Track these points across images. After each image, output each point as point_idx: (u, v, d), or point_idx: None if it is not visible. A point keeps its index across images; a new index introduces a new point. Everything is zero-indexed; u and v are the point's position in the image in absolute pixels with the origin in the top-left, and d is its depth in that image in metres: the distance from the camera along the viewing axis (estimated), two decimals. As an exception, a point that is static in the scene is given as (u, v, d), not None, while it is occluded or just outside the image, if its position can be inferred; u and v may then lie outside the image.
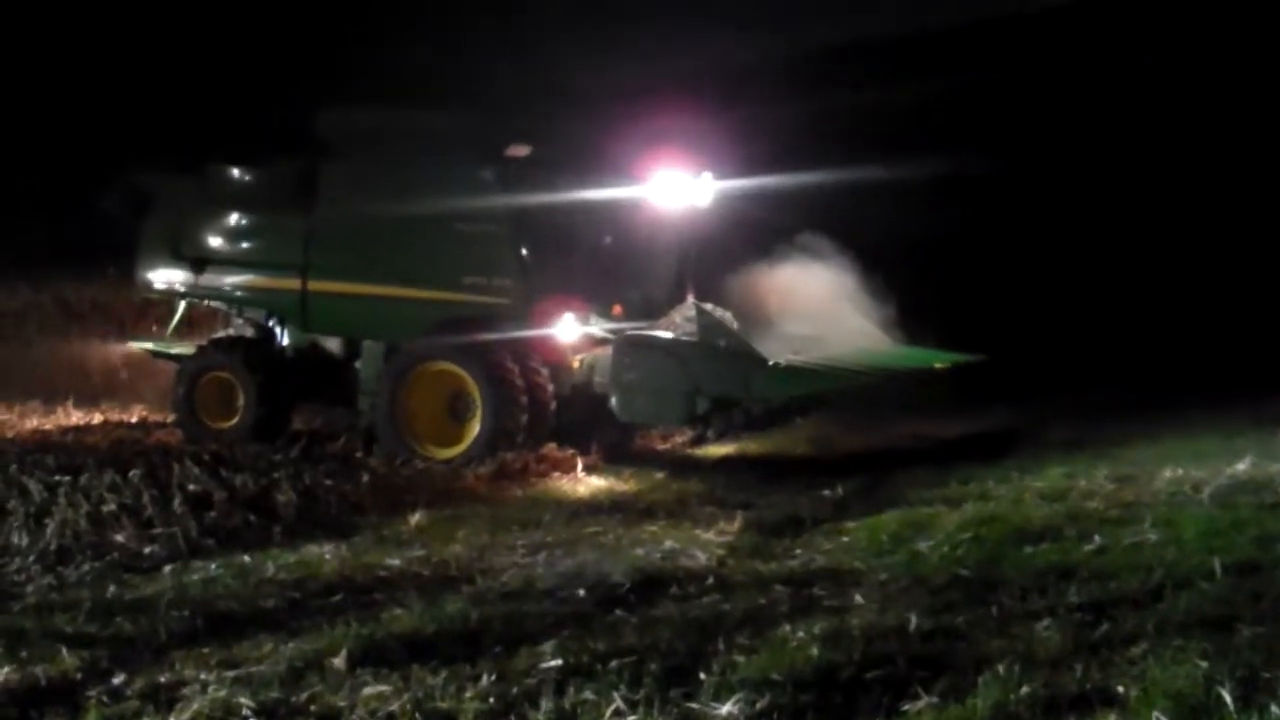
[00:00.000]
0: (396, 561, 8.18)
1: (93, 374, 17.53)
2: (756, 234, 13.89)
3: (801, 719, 5.01)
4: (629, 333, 12.37)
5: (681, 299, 13.35)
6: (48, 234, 20.57)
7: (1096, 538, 7.95)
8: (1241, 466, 9.97)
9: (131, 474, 10.42)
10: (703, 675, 5.58)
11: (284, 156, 13.92)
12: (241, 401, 13.56)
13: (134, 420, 15.58)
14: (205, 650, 6.28)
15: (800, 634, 6.15)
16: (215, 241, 14.15)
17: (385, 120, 13.43)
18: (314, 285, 13.31)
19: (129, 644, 6.46)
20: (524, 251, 12.52)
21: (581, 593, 7.29)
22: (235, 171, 14.05)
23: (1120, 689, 4.99)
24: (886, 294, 13.58)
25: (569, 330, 12.61)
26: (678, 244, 13.93)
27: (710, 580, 7.56)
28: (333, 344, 13.82)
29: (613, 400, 12.08)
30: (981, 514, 8.96)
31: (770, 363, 11.57)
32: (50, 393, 16.53)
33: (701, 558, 8.24)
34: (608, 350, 12.47)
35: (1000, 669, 5.32)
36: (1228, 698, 4.59)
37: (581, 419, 12.76)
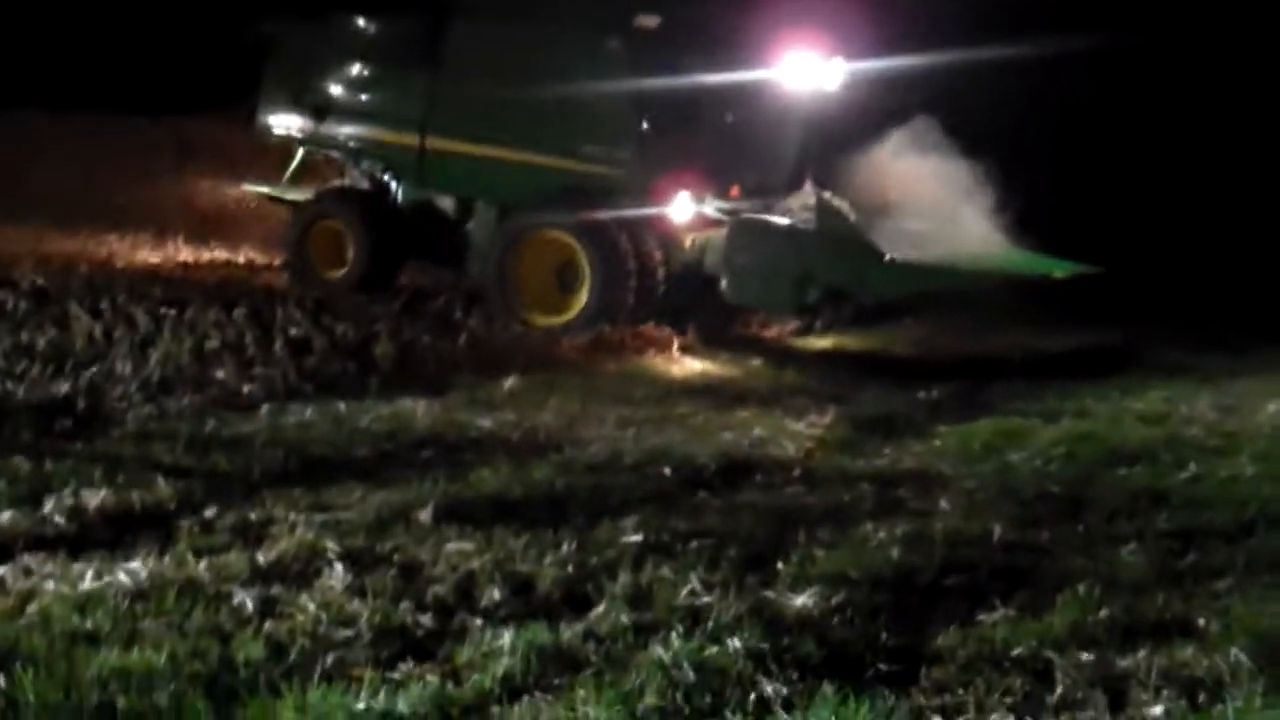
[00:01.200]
0: (487, 423, 8.29)
1: (205, 211, 17.73)
2: (878, 120, 13.55)
3: (876, 618, 5.00)
4: (744, 215, 12.22)
5: (799, 185, 13.17)
6: (172, 72, 20.68)
7: (1192, 465, 7.82)
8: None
9: (236, 312, 10.68)
10: (780, 565, 5.61)
11: (412, 12, 13.78)
12: (351, 253, 13.58)
13: (241, 260, 15.75)
14: (295, 491, 6.43)
15: (881, 534, 6.15)
16: (337, 91, 14.09)
17: None
18: (432, 143, 13.22)
19: (223, 479, 6.63)
20: (644, 125, 12.37)
21: (666, 471, 7.34)
22: (362, 23, 13.97)
23: (1201, 621, 4.93)
24: (1003, 190, 13.23)
25: (683, 208, 12.42)
26: (801, 129, 13.58)
27: (796, 471, 7.57)
28: (446, 203, 13.73)
29: (723, 281, 12.00)
30: (1077, 431, 8.84)
31: (887, 257, 11.39)
32: (162, 227, 16.74)
33: (789, 448, 8.24)
34: (720, 231, 12.36)
35: (1080, 589, 5.28)
36: (1312, 641, 4.54)
37: (688, 298, 12.68)
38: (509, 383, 9.54)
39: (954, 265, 12.13)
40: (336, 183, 14.77)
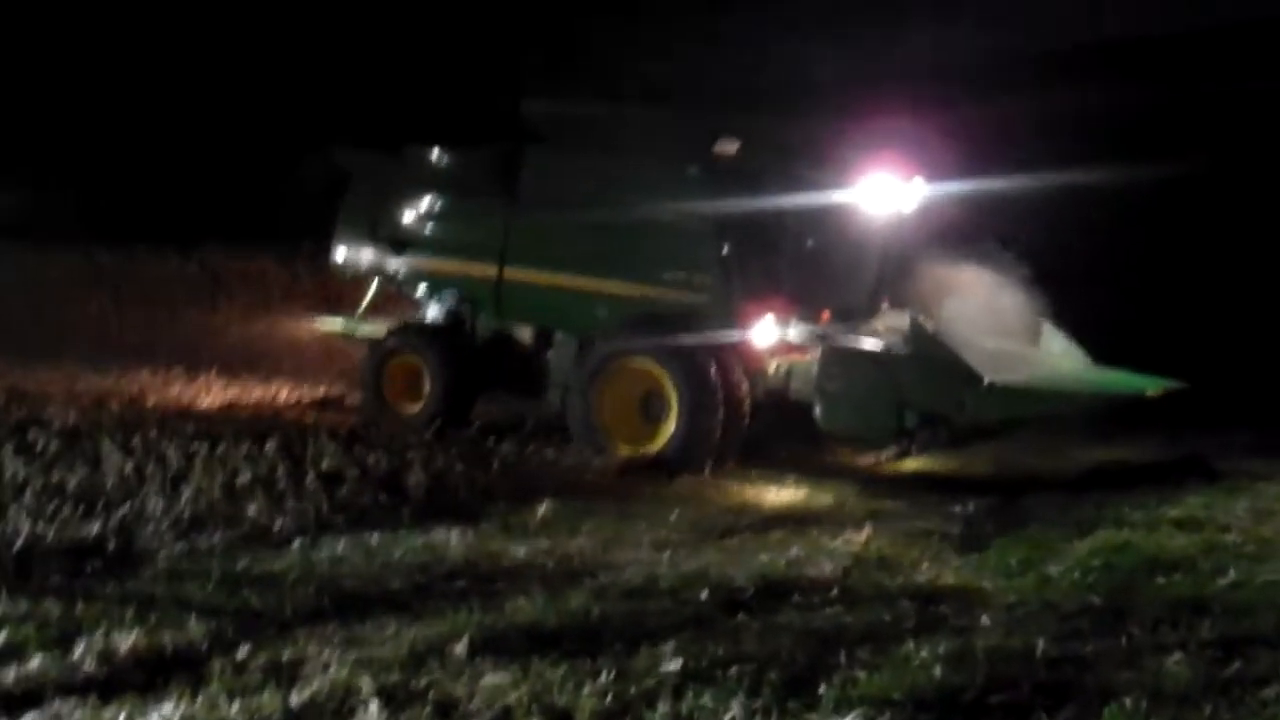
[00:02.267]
0: (521, 551, 8.27)
1: (237, 345, 17.88)
2: (956, 241, 13.61)
3: (919, 739, 4.95)
4: (836, 340, 12.13)
5: (879, 306, 13.19)
6: (202, 204, 21.10)
7: (1231, 572, 7.77)
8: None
9: (267, 446, 10.72)
10: (822, 688, 5.55)
11: (488, 142, 13.96)
12: (428, 387, 13.53)
13: (274, 394, 15.82)
14: (328, 628, 6.41)
15: (923, 652, 6.10)
16: (413, 223, 14.12)
17: (594, 113, 13.38)
18: (510, 273, 13.24)
19: (255, 617, 6.62)
20: (726, 250, 12.28)
21: (704, 595, 7.28)
22: (437, 153, 14.05)
23: (1252, 732, 4.87)
24: (1078, 309, 13.23)
25: (767, 333, 12.32)
26: (881, 250, 13.52)
27: (834, 590, 7.50)
28: (524, 333, 13.73)
29: (816, 410, 11.88)
30: (1114, 541, 8.76)
31: (985, 381, 11.28)
32: (194, 362, 16.89)
33: (827, 567, 8.18)
34: (805, 356, 12.37)
35: (1127, 702, 5.23)
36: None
37: (774, 426, 12.63)
38: (542, 509, 9.51)
39: (1050, 387, 12.12)
40: (411, 317, 14.78)
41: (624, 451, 12.11)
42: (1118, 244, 18.14)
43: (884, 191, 12.80)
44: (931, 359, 11.40)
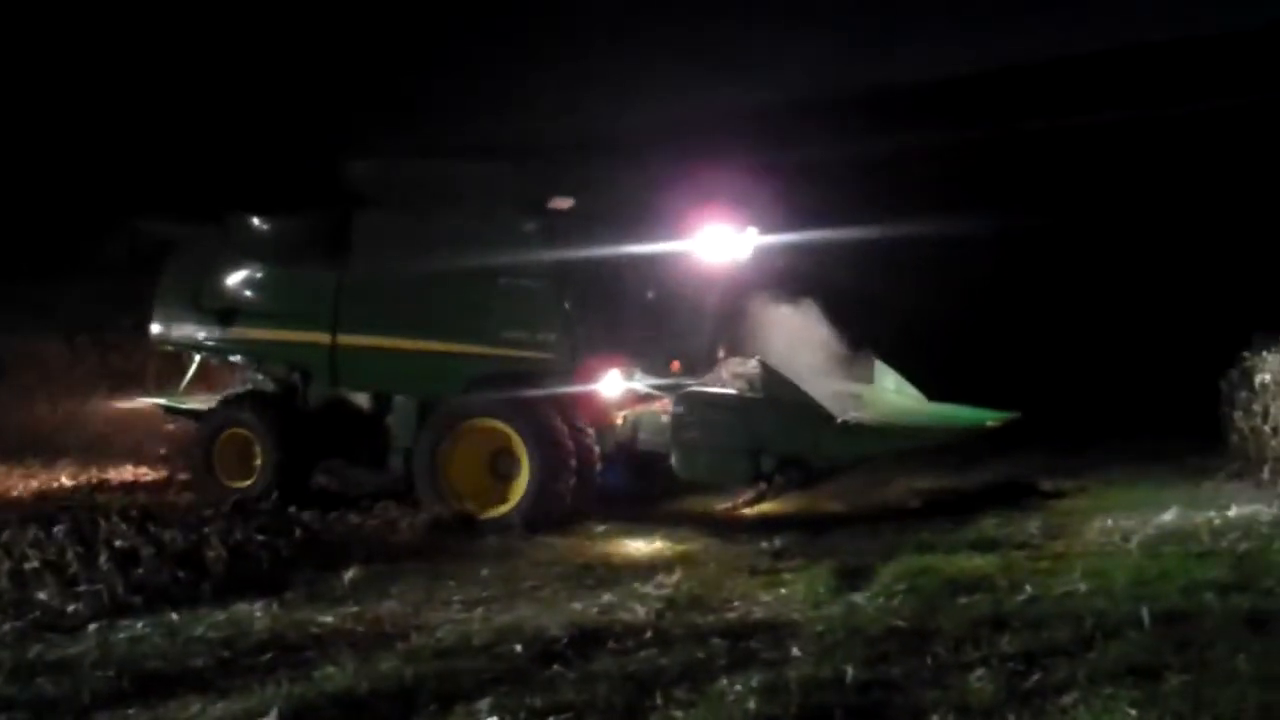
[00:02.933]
0: (329, 618, 8.08)
1: (20, 429, 17.14)
2: (786, 287, 13.78)
3: (738, 773, 4.99)
4: (690, 389, 12.15)
5: (717, 354, 13.22)
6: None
7: (1028, 588, 8.04)
8: (1168, 517, 10.13)
9: (56, 529, 10.29)
10: (637, 732, 5.56)
11: (313, 207, 13.57)
12: (260, 460, 13.13)
13: (61, 477, 15.21)
14: (130, 712, 6.19)
15: (738, 687, 6.15)
16: (238, 293, 13.74)
17: (424, 171, 13.17)
18: (344, 339, 12.94)
19: (50, 706, 6.34)
20: (568, 306, 12.21)
21: (518, 648, 7.22)
22: (262, 221, 13.65)
23: (1053, 738, 5.04)
24: (903, 348, 13.58)
25: (613, 386, 12.29)
26: (719, 298, 13.57)
27: (648, 634, 7.53)
28: (360, 399, 13.40)
29: (672, 458, 11.87)
30: (916, 565, 9.00)
31: (839, 420, 11.49)
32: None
33: (640, 611, 8.20)
34: (651, 407, 12.39)
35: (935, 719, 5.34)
36: (1157, 746, 4.66)
37: (622, 479, 12.60)
38: (349, 574, 9.35)
39: (900, 424, 12.39)
40: (240, 388, 14.30)
41: (477, 513, 11.93)
42: (944, 285, 18.78)
43: (719, 241, 12.97)
44: (785, 402, 11.57)
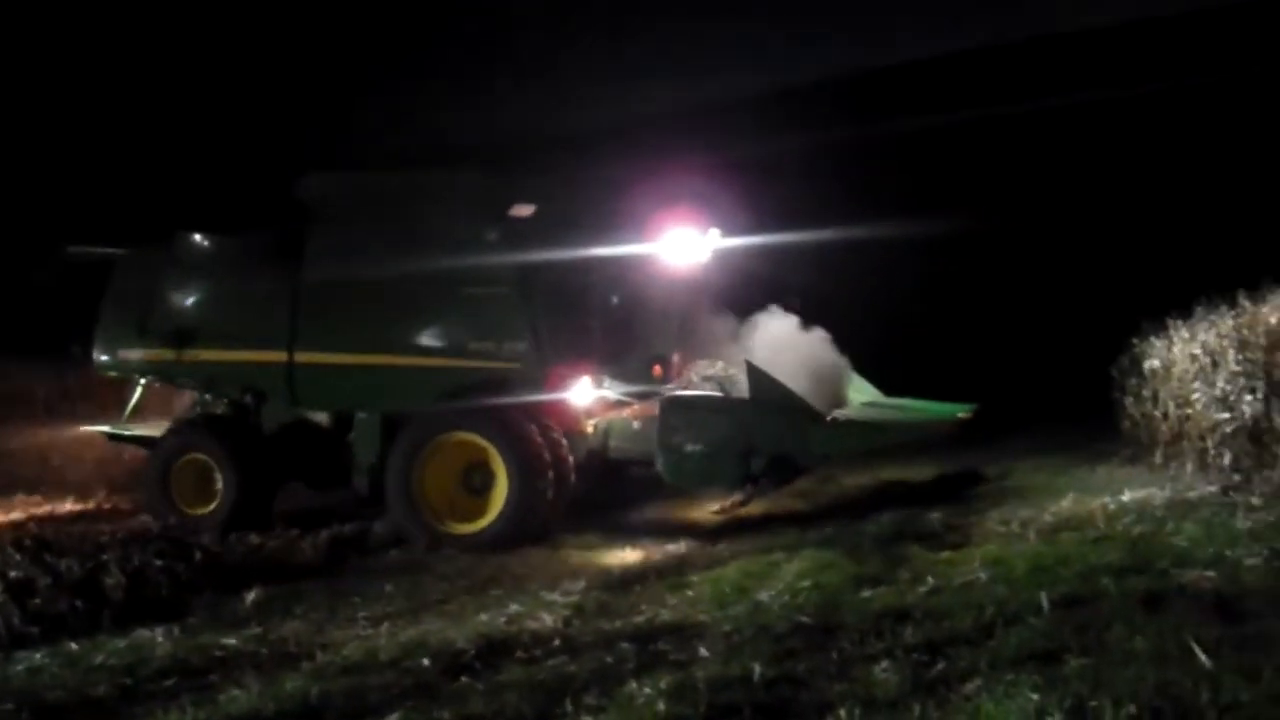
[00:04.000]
0: (232, 641, 7.97)
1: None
2: (751, 289, 13.78)
3: (649, 775, 5.00)
4: (675, 394, 12.10)
5: (687, 358, 13.17)
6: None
7: (930, 579, 8.14)
8: (1065, 503, 10.32)
9: (-51, 563, 10.03)
10: (550, 738, 5.55)
11: (264, 223, 13.30)
12: (221, 485, 12.77)
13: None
14: (30, 744, 6.06)
15: (647, 690, 6.16)
16: (187, 315, 13.32)
17: (380, 183, 12.98)
18: (303, 357, 12.60)
19: (-55, 742, 6.21)
20: (534, 314, 12.00)
21: (425, 662, 7.18)
22: (210, 240, 13.34)
23: (952, 725, 5.11)
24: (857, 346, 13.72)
25: (583, 394, 12.19)
26: (684, 301, 13.54)
27: (556, 641, 7.52)
28: (320, 418, 13.09)
29: (659, 464, 11.79)
30: (820, 561, 9.09)
31: (828, 418, 11.49)
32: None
33: (547, 619, 8.20)
34: (622, 413, 12.32)
35: (841, 713, 5.40)
36: (1058, 728, 4.74)
37: (594, 487, 12.53)
38: (251, 596, 9.25)
39: (883, 420, 12.46)
40: (194, 412, 13.94)
41: (457, 530, 11.73)
42: (892, 283, 19.01)
43: (683, 244, 12.91)
44: (773, 402, 11.52)
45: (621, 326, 12.79)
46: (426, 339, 12.25)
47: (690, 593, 8.70)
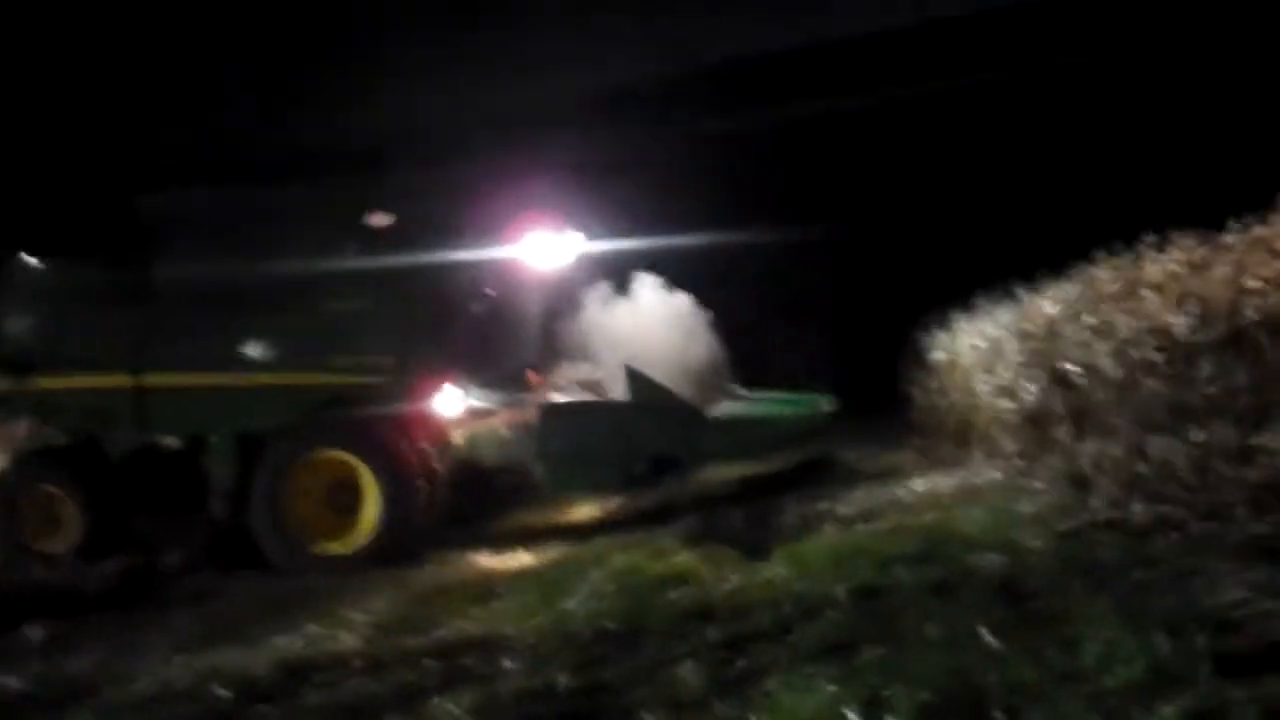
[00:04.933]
0: (12, 681, 7.62)
1: None
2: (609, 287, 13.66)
3: (456, 794, 4.93)
4: (552, 400, 11.94)
5: (550, 363, 13.04)
6: None
7: (733, 577, 8.22)
8: (859, 495, 10.57)
9: None
10: (352, 762, 5.44)
11: (105, 244, 12.65)
12: (72, 519, 12.15)
13: None
14: None
15: (450, 707, 6.08)
16: (22, 343, 12.55)
17: (229, 199, 12.50)
18: (151, 380, 11.98)
19: None
20: (398, 325, 11.74)
21: (221, 691, 6.97)
22: (47, 264, 12.64)
23: (756, 722, 5.15)
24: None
25: (450, 405, 11.89)
26: (547, 306, 13.38)
27: (357, 662, 7.37)
28: (170, 443, 12.53)
29: (539, 472, 11.66)
30: (623, 565, 9.12)
31: (711, 418, 11.41)
32: None
33: (348, 639, 8.05)
34: (490, 422, 12.13)
35: (646, 717, 5.40)
36: (853, 718, 4.81)
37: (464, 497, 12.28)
38: (32, 631, 8.84)
39: (761, 417, 12.56)
40: (33, 443, 13.16)
41: (330, 550, 11.41)
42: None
43: (544, 248, 12.73)
44: (655, 404, 11.52)
45: (486, 334, 12.68)
46: (284, 356, 11.89)
47: (495, 604, 8.66)
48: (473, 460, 12.59)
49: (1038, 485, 9.56)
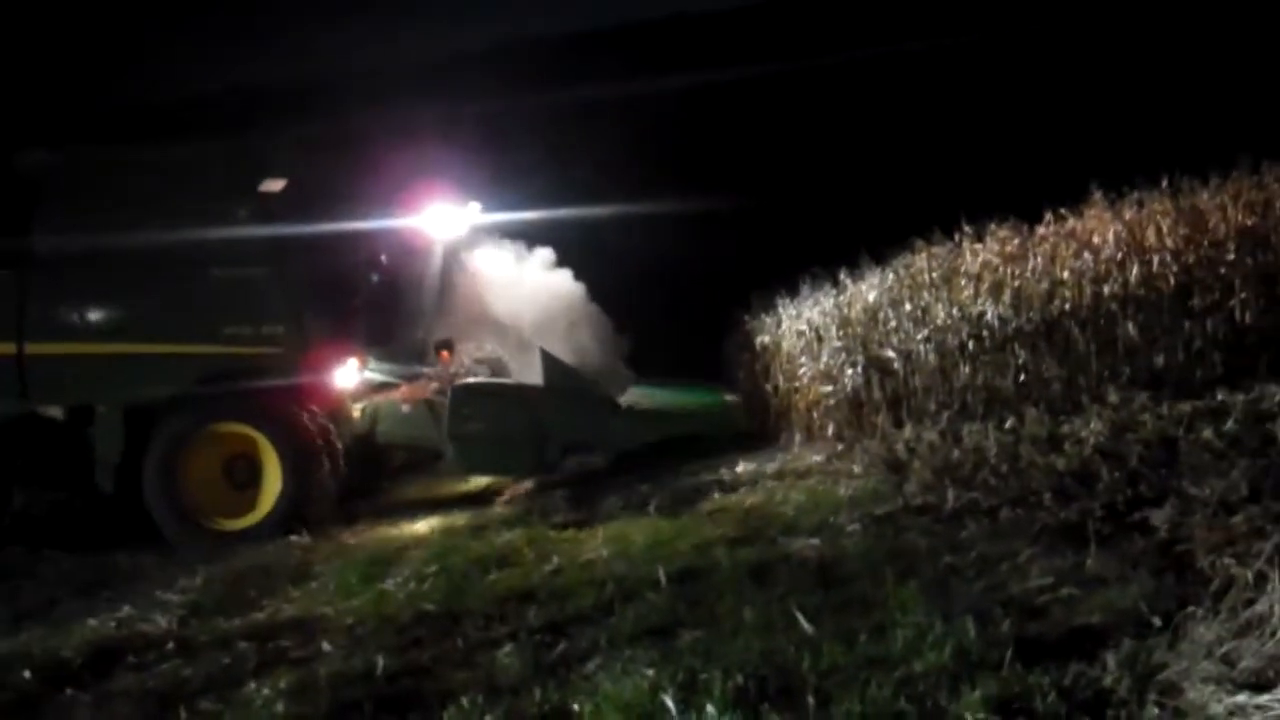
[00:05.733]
0: None
1: None
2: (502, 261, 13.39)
3: (268, 780, 4.88)
4: (468, 380, 11.73)
5: (443, 337, 12.63)
6: None
7: (555, 558, 8.25)
8: (683, 479, 10.67)
9: None
10: (162, 748, 5.34)
11: None
12: None
13: None
14: None
15: (265, 691, 6.01)
16: None
17: (115, 157, 11.81)
18: (33, 348, 11.33)
19: None
20: (293, 294, 11.31)
21: (27, 674, 6.77)
22: None
23: (575, 707, 5.18)
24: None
25: (348, 377, 11.58)
26: (442, 277, 13.03)
27: (170, 644, 7.22)
28: (53, 413, 11.82)
29: (450, 452, 11.44)
30: (445, 545, 9.09)
31: (625, 407, 11.30)
32: None
33: (161, 621, 7.87)
34: (391, 396, 11.89)
35: (464, 701, 5.39)
36: (670, 703, 4.87)
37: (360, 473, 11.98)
38: None
39: (673, 408, 12.53)
40: None
41: (227, 526, 11.10)
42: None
43: (440, 217, 12.45)
44: (570, 391, 11.45)
45: (383, 305, 12.46)
46: (174, 324, 11.37)
47: (314, 585, 8.56)
48: (370, 435, 12.32)
49: (856, 469, 9.77)
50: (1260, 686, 4.24)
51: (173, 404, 11.38)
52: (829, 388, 11.41)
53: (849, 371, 11.20)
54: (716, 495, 9.82)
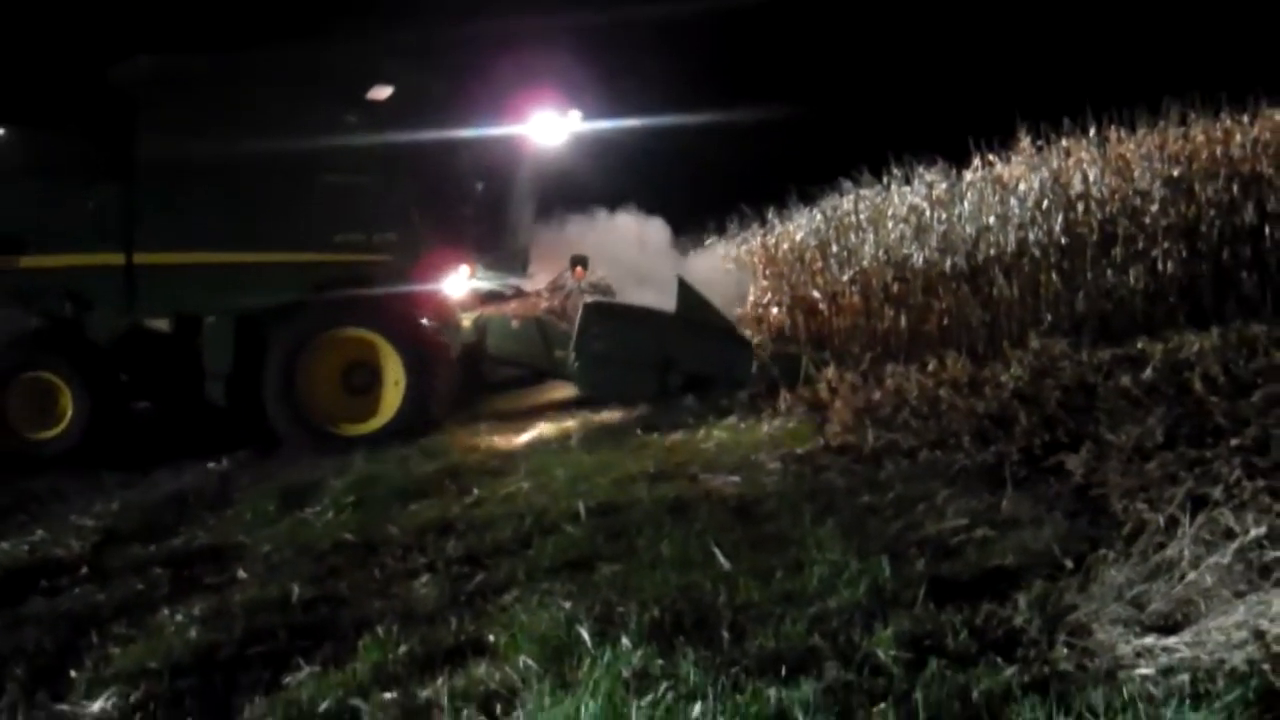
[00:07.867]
0: None
1: None
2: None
3: (179, 706, 4.84)
4: (597, 300, 11.60)
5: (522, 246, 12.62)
6: None
7: (475, 490, 8.25)
8: (606, 414, 10.69)
9: None
10: (73, 673, 5.27)
11: (79, 116, 11.59)
12: (70, 406, 11.27)
13: None
14: None
15: (179, 617, 5.95)
16: None
17: (220, 66, 11.49)
18: (142, 258, 11.10)
19: None
20: (404, 202, 11.16)
21: (-66, 599, 6.69)
22: (17, 133, 11.54)
23: (491, 638, 5.18)
24: None
25: (458, 286, 11.42)
26: (545, 188, 12.97)
27: (84, 570, 7.14)
28: (160, 325, 11.65)
29: (573, 369, 11.28)
30: (366, 474, 9.05)
31: (754, 342, 11.12)
32: None
33: (75, 546, 7.77)
34: (503, 310, 11.86)
35: (380, 630, 5.38)
36: (585, 635, 4.88)
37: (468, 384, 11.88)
38: None
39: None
40: (15, 328, 11.80)
41: (349, 431, 11.03)
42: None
43: (548, 126, 12.19)
44: (702, 323, 11.25)
45: (489, 213, 12.25)
46: (286, 233, 11.17)
47: (230, 512, 8.48)
48: (479, 347, 12.29)
49: (779, 408, 9.83)
50: (1168, 629, 4.33)
51: (287, 312, 11.28)
52: (754, 327, 11.46)
53: (774, 310, 11.26)
54: (639, 432, 9.84)
